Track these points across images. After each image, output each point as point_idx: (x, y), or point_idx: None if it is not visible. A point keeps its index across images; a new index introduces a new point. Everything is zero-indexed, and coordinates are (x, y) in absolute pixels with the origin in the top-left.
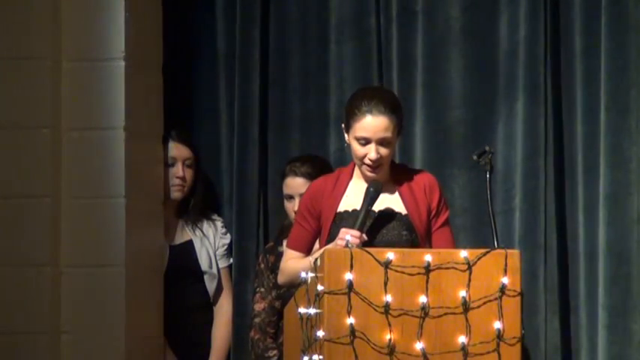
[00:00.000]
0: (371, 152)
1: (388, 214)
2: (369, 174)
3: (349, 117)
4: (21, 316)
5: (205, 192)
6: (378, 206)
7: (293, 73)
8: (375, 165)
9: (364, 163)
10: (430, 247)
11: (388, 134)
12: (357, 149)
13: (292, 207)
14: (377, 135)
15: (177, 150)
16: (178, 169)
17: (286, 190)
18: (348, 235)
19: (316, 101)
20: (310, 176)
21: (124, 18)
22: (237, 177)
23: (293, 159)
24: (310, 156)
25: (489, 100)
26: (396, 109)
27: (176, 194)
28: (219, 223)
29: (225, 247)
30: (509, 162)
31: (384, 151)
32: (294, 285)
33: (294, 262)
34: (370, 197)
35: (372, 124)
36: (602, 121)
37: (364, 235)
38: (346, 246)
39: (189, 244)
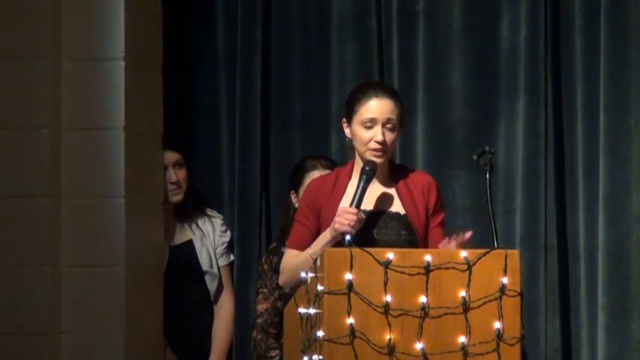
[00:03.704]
0: (378, 134)
1: (387, 214)
2: (374, 159)
3: (353, 104)
4: (21, 316)
5: (196, 188)
6: (378, 206)
7: (294, 73)
8: (381, 149)
9: (369, 148)
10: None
11: (394, 117)
12: (363, 134)
13: None
14: (383, 116)
15: (165, 156)
16: (171, 175)
17: None
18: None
19: (317, 101)
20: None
21: (124, 18)
22: (238, 177)
23: (312, 156)
24: (324, 156)
25: (490, 100)
26: (399, 98)
27: (176, 198)
28: (218, 221)
29: (225, 245)
30: (510, 162)
31: (389, 135)
32: (295, 283)
33: (292, 259)
34: (367, 176)
35: (378, 104)
36: (602, 122)
37: (361, 213)
38: (347, 245)
39: (189, 244)
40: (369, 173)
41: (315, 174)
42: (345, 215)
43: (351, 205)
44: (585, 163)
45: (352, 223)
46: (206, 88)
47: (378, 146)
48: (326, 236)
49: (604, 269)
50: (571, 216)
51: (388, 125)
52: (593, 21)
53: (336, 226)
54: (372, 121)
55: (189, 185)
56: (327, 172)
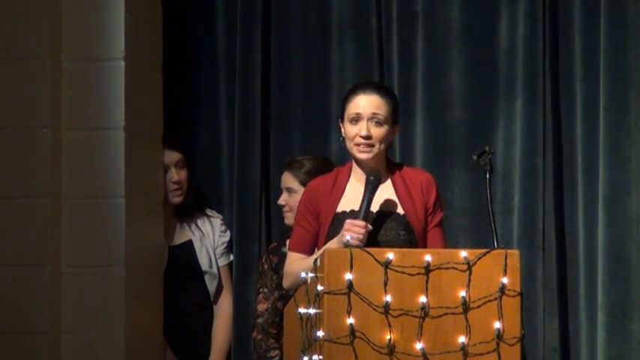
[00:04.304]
0: (362, 129)
1: (386, 215)
2: (359, 155)
3: (344, 103)
4: (21, 316)
5: (197, 188)
6: (376, 207)
7: (294, 74)
8: (366, 144)
9: (355, 144)
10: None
11: (380, 112)
12: (350, 129)
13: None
14: (368, 110)
15: (167, 156)
16: (172, 174)
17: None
18: (348, 236)
19: (317, 101)
20: (295, 173)
21: (124, 18)
22: (238, 177)
23: (295, 157)
24: (313, 156)
25: (489, 100)
26: (390, 94)
27: (176, 199)
28: (218, 221)
29: (225, 245)
30: (509, 162)
31: (375, 130)
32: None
33: (298, 264)
34: (372, 186)
35: (363, 99)
36: (601, 121)
37: (369, 225)
38: (346, 245)
39: (189, 244)
40: (374, 183)
41: (285, 175)
42: (353, 229)
43: (358, 217)
44: (584, 162)
45: (361, 237)
46: (206, 88)
47: (362, 141)
48: (333, 247)
49: (604, 269)
50: (569, 216)
51: (374, 120)
52: (592, 20)
53: (345, 239)
54: (357, 116)
55: (189, 185)
56: (291, 175)
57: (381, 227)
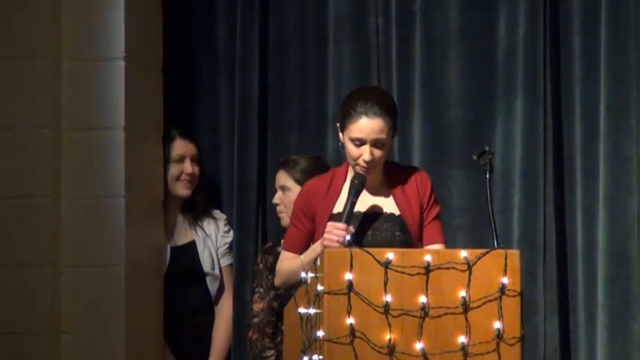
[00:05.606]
0: (365, 154)
1: (381, 215)
2: (362, 174)
3: (344, 117)
4: (21, 316)
5: (209, 188)
6: (372, 207)
7: (292, 74)
8: (369, 166)
9: (358, 164)
10: (422, 245)
11: (383, 136)
12: (352, 150)
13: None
14: (371, 136)
15: (185, 147)
16: (188, 166)
17: None
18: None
19: (315, 101)
20: (290, 171)
21: (124, 18)
22: (236, 177)
23: (291, 156)
24: (308, 156)
25: (488, 100)
26: (391, 111)
27: (185, 191)
28: (222, 222)
29: (227, 245)
30: (508, 162)
31: (377, 152)
32: (290, 286)
33: (287, 263)
34: (355, 189)
35: (366, 125)
36: (602, 121)
37: (351, 228)
38: (347, 245)
39: (191, 246)
40: (358, 187)
41: (280, 173)
42: (334, 232)
43: (340, 219)
44: (584, 162)
45: (341, 239)
46: (206, 88)
47: (365, 165)
48: (317, 249)
49: (606, 269)
50: (570, 215)
51: (377, 144)
52: (592, 20)
53: (326, 242)
54: (360, 140)
55: (201, 183)
56: (286, 173)
57: (377, 228)
